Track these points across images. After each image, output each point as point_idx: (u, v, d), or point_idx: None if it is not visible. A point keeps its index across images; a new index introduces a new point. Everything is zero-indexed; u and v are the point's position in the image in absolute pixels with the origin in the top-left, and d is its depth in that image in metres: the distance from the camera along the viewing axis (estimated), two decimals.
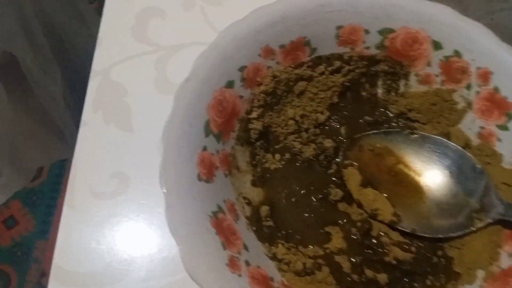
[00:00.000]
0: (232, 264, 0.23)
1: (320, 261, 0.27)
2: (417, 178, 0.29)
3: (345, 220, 0.29)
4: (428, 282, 0.27)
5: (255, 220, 0.28)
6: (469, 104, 0.29)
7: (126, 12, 0.40)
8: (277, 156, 0.31)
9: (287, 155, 0.31)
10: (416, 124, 0.31)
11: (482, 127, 0.28)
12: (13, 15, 0.53)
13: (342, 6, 0.28)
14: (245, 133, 0.29)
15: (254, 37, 0.28)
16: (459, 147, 0.28)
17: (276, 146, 0.31)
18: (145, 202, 0.33)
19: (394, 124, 0.32)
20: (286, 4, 0.28)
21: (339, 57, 0.30)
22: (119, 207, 0.32)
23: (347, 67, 0.31)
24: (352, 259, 0.27)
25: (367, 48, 0.30)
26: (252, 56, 0.28)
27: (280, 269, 0.26)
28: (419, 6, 0.28)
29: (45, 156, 0.71)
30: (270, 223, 0.28)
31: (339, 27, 0.29)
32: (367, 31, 0.29)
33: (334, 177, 0.30)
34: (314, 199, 0.30)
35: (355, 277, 0.27)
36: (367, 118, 0.32)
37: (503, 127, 0.27)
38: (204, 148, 0.25)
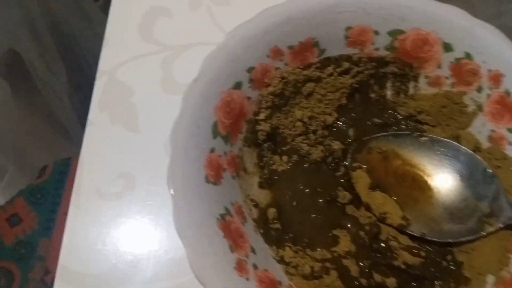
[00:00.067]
0: (240, 267, 0.23)
1: (328, 264, 0.27)
2: (426, 181, 0.29)
3: (353, 224, 0.29)
4: (437, 287, 0.27)
5: (262, 223, 0.27)
6: (479, 107, 0.28)
7: (133, 11, 0.40)
8: (285, 158, 0.30)
9: (295, 157, 0.30)
10: (425, 127, 0.31)
11: (492, 131, 0.28)
12: (18, 13, 0.53)
13: (351, 7, 0.28)
14: (253, 135, 0.29)
15: (263, 38, 0.27)
16: (470, 151, 0.28)
17: (284, 148, 0.31)
18: (151, 203, 0.32)
19: (403, 126, 0.31)
20: (294, 4, 0.28)
21: (348, 58, 0.30)
22: (125, 208, 0.32)
23: (356, 69, 0.30)
24: (360, 263, 0.27)
25: (376, 49, 0.29)
26: (260, 57, 0.28)
27: (287, 273, 0.26)
28: (430, 7, 0.28)
29: (49, 154, 0.71)
30: (278, 225, 0.28)
31: (348, 28, 0.29)
32: (376, 32, 0.29)
33: (342, 180, 0.30)
34: (321, 202, 0.29)
35: (363, 281, 0.27)
36: (375, 120, 0.31)
37: None
38: (212, 150, 0.25)
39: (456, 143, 0.28)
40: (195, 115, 0.25)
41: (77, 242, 0.31)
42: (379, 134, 0.30)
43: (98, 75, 0.37)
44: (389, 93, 0.32)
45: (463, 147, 0.28)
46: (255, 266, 0.24)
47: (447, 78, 0.29)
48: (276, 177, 0.30)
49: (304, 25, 0.28)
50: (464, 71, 0.28)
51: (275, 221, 0.28)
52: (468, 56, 0.28)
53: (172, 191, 0.23)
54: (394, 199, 0.28)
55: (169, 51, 0.38)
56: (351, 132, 0.32)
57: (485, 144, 0.28)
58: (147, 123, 0.35)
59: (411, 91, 0.31)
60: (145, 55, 0.38)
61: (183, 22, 0.39)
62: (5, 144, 0.58)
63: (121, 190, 0.33)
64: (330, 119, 0.31)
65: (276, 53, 0.28)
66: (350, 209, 0.29)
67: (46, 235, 0.96)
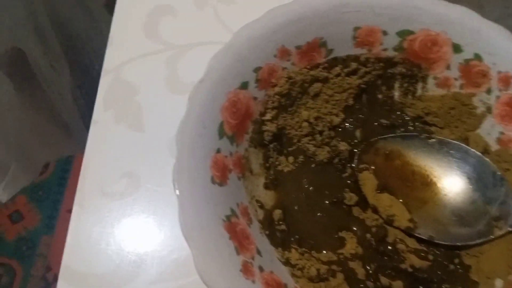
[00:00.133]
0: (246, 269, 0.23)
1: (334, 267, 0.27)
2: (434, 183, 0.28)
3: (359, 226, 0.28)
4: None
5: (268, 224, 0.27)
6: (488, 109, 0.28)
7: (138, 10, 0.40)
8: (291, 158, 0.30)
9: (301, 158, 0.30)
10: (433, 128, 0.30)
11: (501, 133, 0.28)
12: (22, 11, 0.53)
13: (359, 7, 0.28)
14: (259, 135, 0.28)
15: (270, 38, 0.27)
16: (479, 153, 0.27)
17: (290, 149, 0.30)
18: (156, 203, 0.32)
19: (410, 127, 0.31)
20: (302, 4, 0.28)
21: (356, 58, 0.30)
22: (129, 208, 0.32)
23: (363, 69, 0.30)
24: (367, 265, 0.27)
25: (385, 50, 0.29)
26: (267, 57, 0.27)
27: (293, 275, 0.26)
28: (439, 8, 0.27)
29: (52, 152, 0.71)
30: (283, 227, 0.28)
31: (356, 28, 0.28)
32: (385, 33, 0.28)
33: (348, 181, 0.30)
34: (327, 203, 0.29)
35: (370, 284, 0.26)
36: (383, 121, 0.31)
37: None
38: (218, 150, 0.25)
39: (464, 145, 0.28)
40: (201, 116, 0.25)
41: (81, 241, 0.31)
42: (386, 136, 0.30)
43: (102, 74, 0.37)
44: (396, 94, 0.31)
45: (472, 149, 0.28)
46: (260, 268, 0.24)
47: (456, 79, 0.29)
48: (282, 178, 0.30)
49: (311, 25, 0.28)
50: (474, 72, 0.28)
51: (280, 223, 0.28)
52: (477, 57, 0.27)
53: (177, 192, 0.23)
54: (401, 201, 0.28)
55: (174, 50, 0.38)
56: (358, 133, 0.31)
57: (494, 146, 0.28)
58: (152, 122, 0.35)
59: (419, 92, 0.31)
60: (150, 54, 0.37)
61: (189, 21, 0.39)
62: (8, 141, 0.58)
63: (125, 190, 0.33)
64: (337, 120, 0.31)
65: (283, 53, 0.28)
66: (356, 211, 0.29)
67: (48, 232, 0.96)
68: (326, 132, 0.31)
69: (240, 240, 0.24)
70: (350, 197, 0.29)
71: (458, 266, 0.27)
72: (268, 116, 0.29)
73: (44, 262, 0.94)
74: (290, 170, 0.30)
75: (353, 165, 0.30)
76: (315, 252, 0.27)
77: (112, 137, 0.34)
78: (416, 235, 0.27)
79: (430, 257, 0.27)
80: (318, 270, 0.26)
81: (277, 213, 0.28)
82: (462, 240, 0.27)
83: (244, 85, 0.27)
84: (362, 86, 0.31)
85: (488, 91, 0.28)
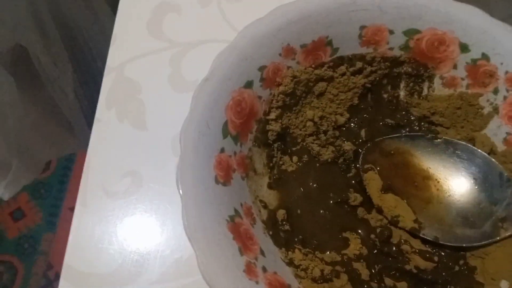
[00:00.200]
0: (249, 270, 0.22)
1: (338, 268, 0.26)
2: (440, 184, 0.28)
3: (364, 226, 0.28)
4: None
5: (271, 224, 0.27)
6: (495, 109, 0.28)
7: (142, 7, 0.39)
8: (295, 158, 0.30)
9: (305, 158, 0.30)
10: (439, 128, 0.30)
11: (508, 133, 0.27)
12: (24, 8, 0.53)
13: (366, 6, 0.27)
14: (263, 135, 0.28)
15: (275, 36, 0.27)
16: (485, 154, 0.27)
17: (294, 148, 0.30)
18: (158, 201, 0.32)
19: (416, 127, 0.31)
20: (308, 2, 0.27)
21: (362, 57, 0.29)
22: (131, 207, 0.32)
23: (369, 68, 0.30)
24: (371, 266, 0.27)
25: (391, 49, 0.29)
26: (272, 55, 0.27)
27: (297, 276, 0.25)
28: (447, 7, 0.27)
29: (54, 149, 0.71)
30: (287, 227, 0.27)
31: (362, 27, 0.28)
32: (391, 32, 0.28)
33: (353, 181, 0.30)
34: (332, 203, 0.29)
35: (374, 285, 0.26)
36: (388, 120, 0.31)
37: None
38: (222, 150, 0.25)
39: (471, 146, 0.28)
40: (205, 115, 0.24)
41: (83, 241, 0.31)
42: (391, 135, 0.30)
43: (106, 71, 0.36)
44: (402, 93, 0.31)
45: (478, 150, 0.28)
46: (264, 269, 0.23)
47: (462, 79, 0.28)
48: (286, 178, 0.29)
49: (317, 23, 0.27)
50: (481, 72, 0.27)
51: (284, 223, 0.27)
52: (485, 57, 0.27)
53: (181, 192, 0.22)
54: (406, 201, 0.28)
55: (178, 48, 0.37)
56: (363, 132, 0.31)
57: (501, 147, 0.28)
58: (155, 120, 0.35)
59: (425, 91, 0.30)
60: (153, 52, 0.37)
61: (193, 19, 0.39)
62: (10, 139, 0.58)
63: (128, 189, 0.32)
64: (341, 119, 0.30)
65: (289, 51, 0.27)
66: (361, 212, 0.29)
67: (49, 230, 0.96)
68: (330, 131, 0.30)
69: (243, 241, 0.23)
70: (355, 197, 0.29)
71: (463, 267, 0.27)
72: (272, 116, 0.28)
73: (45, 260, 0.94)
74: (294, 170, 0.30)
75: (358, 165, 0.30)
76: (319, 252, 0.27)
77: (114, 136, 0.34)
78: (421, 236, 0.27)
79: (435, 258, 0.27)
80: (322, 270, 0.26)
81: (281, 213, 0.27)
82: (467, 241, 0.26)
83: (249, 84, 0.26)
84: (368, 85, 0.30)
85: (495, 91, 0.27)
